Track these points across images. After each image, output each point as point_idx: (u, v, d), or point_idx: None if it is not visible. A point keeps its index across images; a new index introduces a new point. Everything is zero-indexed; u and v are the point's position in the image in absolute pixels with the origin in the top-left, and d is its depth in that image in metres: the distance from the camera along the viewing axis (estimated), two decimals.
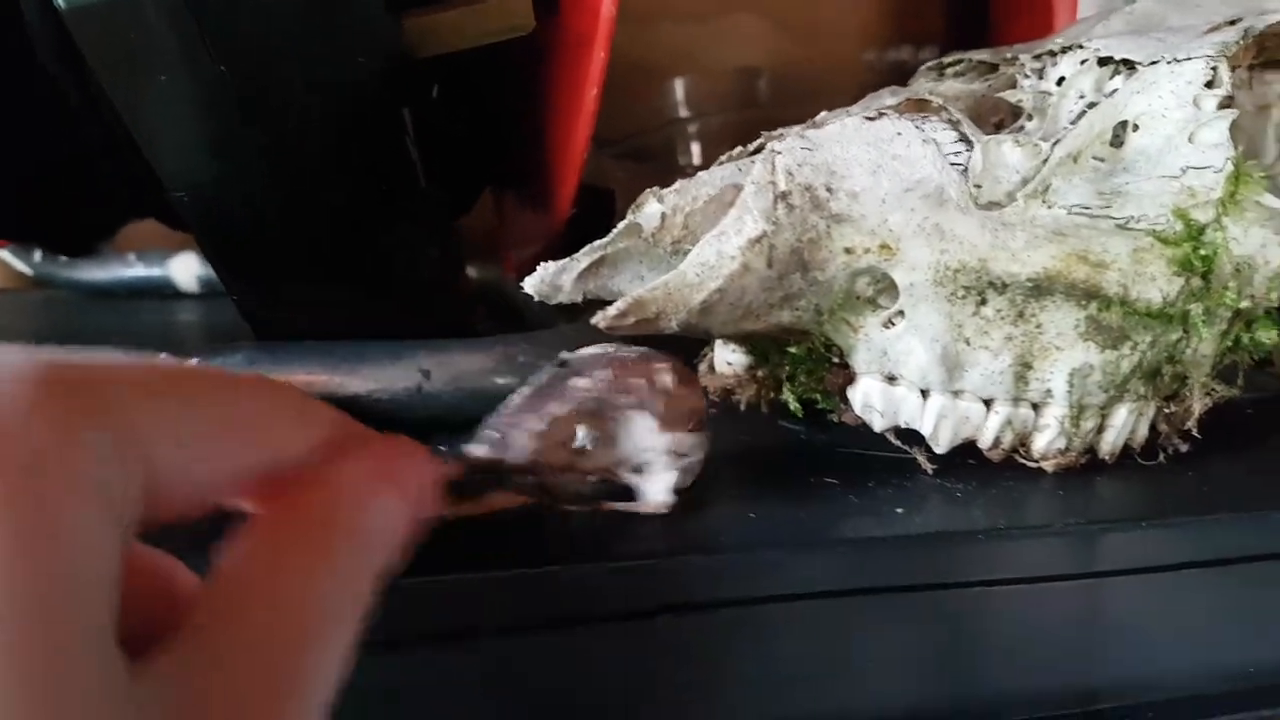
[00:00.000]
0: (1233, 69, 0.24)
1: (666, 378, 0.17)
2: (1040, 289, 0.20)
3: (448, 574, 0.16)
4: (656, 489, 0.17)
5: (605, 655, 0.17)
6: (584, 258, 0.20)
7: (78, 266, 0.39)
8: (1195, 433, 0.21)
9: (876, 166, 0.19)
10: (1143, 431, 0.22)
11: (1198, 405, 0.22)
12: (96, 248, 0.32)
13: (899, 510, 0.19)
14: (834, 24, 0.54)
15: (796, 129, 0.20)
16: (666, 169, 0.48)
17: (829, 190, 0.19)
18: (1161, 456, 0.22)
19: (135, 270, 0.39)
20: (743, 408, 0.22)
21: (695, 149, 0.49)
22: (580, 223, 0.27)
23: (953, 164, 0.20)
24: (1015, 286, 0.19)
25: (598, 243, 0.20)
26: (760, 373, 0.22)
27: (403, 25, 0.21)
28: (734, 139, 0.48)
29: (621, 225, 0.20)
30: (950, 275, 0.19)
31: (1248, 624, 0.20)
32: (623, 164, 0.45)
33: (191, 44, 0.18)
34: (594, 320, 0.19)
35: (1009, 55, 0.24)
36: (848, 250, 0.19)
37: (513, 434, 0.16)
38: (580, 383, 0.17)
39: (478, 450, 0.16)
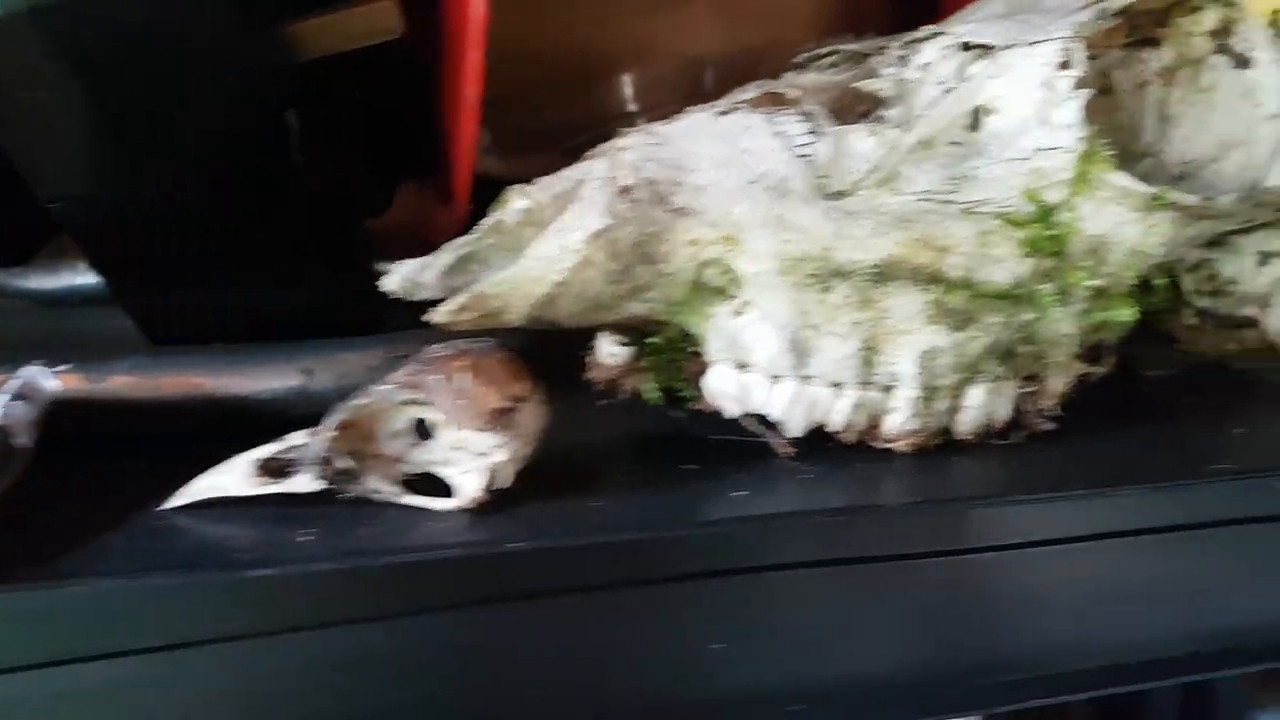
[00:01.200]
0: (1105, 49, 0.24)
1: (463, 377, 0.17)
2: (884, 275, 0.20)
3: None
4: (463, 485, 0.18)
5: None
6: (447, 255, 0.21)
7: (29, 276, 0.40)
8: (1059, 411, 0.22)
9: (723, 160, 0.20)
10: (1003, 411, 0.22)
11: (1057, 384, 0.22)
12: (32, 256, 0.33)
13: (744, 493, 0.19)
14: (781, 12, 0.54)
15: (651, 125, 0.21)
16: None
17: (674, 184, 0.19)
18: (1019, 435, 0.22)
19: (85, 278, 0.40)
20: (628, 398, 0.23)
21: None
22: None
23: (801, 155, 0.20)
24: (859, 273, 0.20)
25: (461, 239, 0.21)
26: (644, 363, 0.22)
27: (273, 33, 0.22)
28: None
29: (486, 222, 0.21)
30: (794, 264, 0.20)
31: (1100, 600, 0.20)
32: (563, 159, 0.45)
33: (52, 59, 0.18)
34: (427, 316, 0.19)
35: (881, 45, 0.24)
36: (692, 242, 0.19)
37: (323, 425, 0.17)
38: (382, 383, 0.17)
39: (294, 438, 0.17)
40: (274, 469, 0.19)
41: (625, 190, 0.19)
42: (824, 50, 0.25)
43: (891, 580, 0.19)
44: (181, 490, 0.19)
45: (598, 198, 0.19)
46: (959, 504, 0.19)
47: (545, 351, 0.22)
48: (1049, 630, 0.20)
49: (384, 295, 0.24)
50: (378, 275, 0.21)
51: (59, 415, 0.21)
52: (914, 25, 0.26)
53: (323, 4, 0.21)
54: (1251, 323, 0.28)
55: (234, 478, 0.19)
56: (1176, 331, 0.28)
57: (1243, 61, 0.23)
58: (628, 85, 0.50)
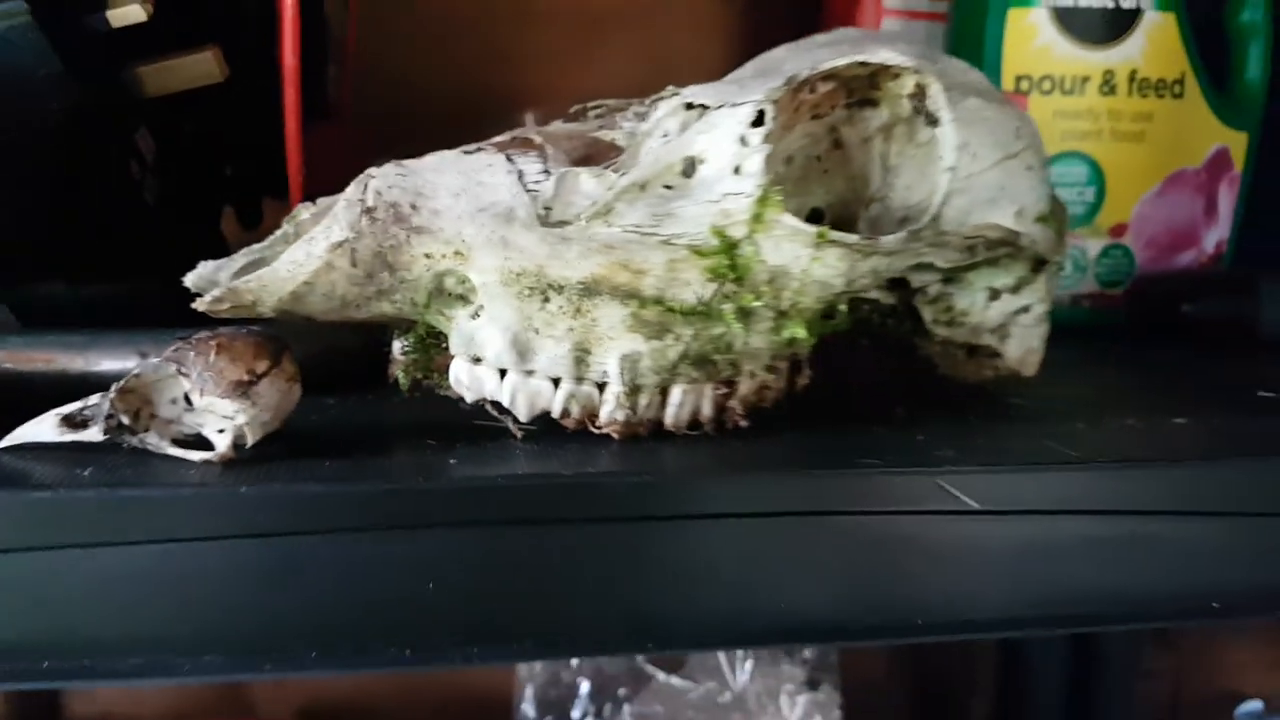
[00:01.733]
0: (830, 109, 0.28)
1: (209, 350, 0.22)
2: (590, 290, 0.24)
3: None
4: (215, 441, 0.22)
5: None
6: (240, 258, 0.25)
7: None
8: (742, 414, 0.26)
9: (460, 190, 0.24)
10: (705, 408, 0.26)
11: (749, 389, 0.26)
12: None
13: (452, 461, 0.23)
14: (687, 55, 0.59)
15: (404, 160, 0.25)
16: None
17: (413, 207, 0.24)
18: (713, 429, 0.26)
19: None
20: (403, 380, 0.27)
21: None
22: None
23: (530, 190, 0.25)
24: (570, 288, 0.24)
25: (254, 246, 0.25)
26: (401, 356, 0.27)
27: (114, 75, 0.26)
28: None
29: (275, 233, 0.25)
30: (514, 278, 0.24)
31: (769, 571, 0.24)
32: None
33: None
34: (195, 305, 0.24)
35: (632, 101, 0.28)
36: (428, 255, 0.24)
37: (112, 388, 0.22)
38: (157, 357, 0.22)
39: (91, 399, 0.22)
40: (74, 422, 0.23)
41: (368, 210, 0.23)
42: (591, 105, 0.29)
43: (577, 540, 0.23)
44: (6, 437, 0.23)
45: (343, 214, 0.23)
46: (642, 478, 0.23)
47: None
48: (708, 596, 0.24)
49: None
50: None
51: None
52: None
53: (158, 53, 0.26)
54: (994, 353, 0.32)
55: (43, 427, 0.23)
56: (936, 358, 0.32)
57: (933, 120, 0.27)
58: (529, 122, 0.55)
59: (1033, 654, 0.57)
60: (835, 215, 0.30)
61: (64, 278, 0.29)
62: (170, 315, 0.29)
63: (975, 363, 0.32)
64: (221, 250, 0.34)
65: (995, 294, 0.31)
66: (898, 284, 0.31)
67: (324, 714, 0.62)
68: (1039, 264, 0.30)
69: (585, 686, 0.60)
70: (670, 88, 0.28)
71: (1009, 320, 0.31)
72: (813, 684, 0.58)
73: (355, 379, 0.30)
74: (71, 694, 0.62)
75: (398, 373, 0.27)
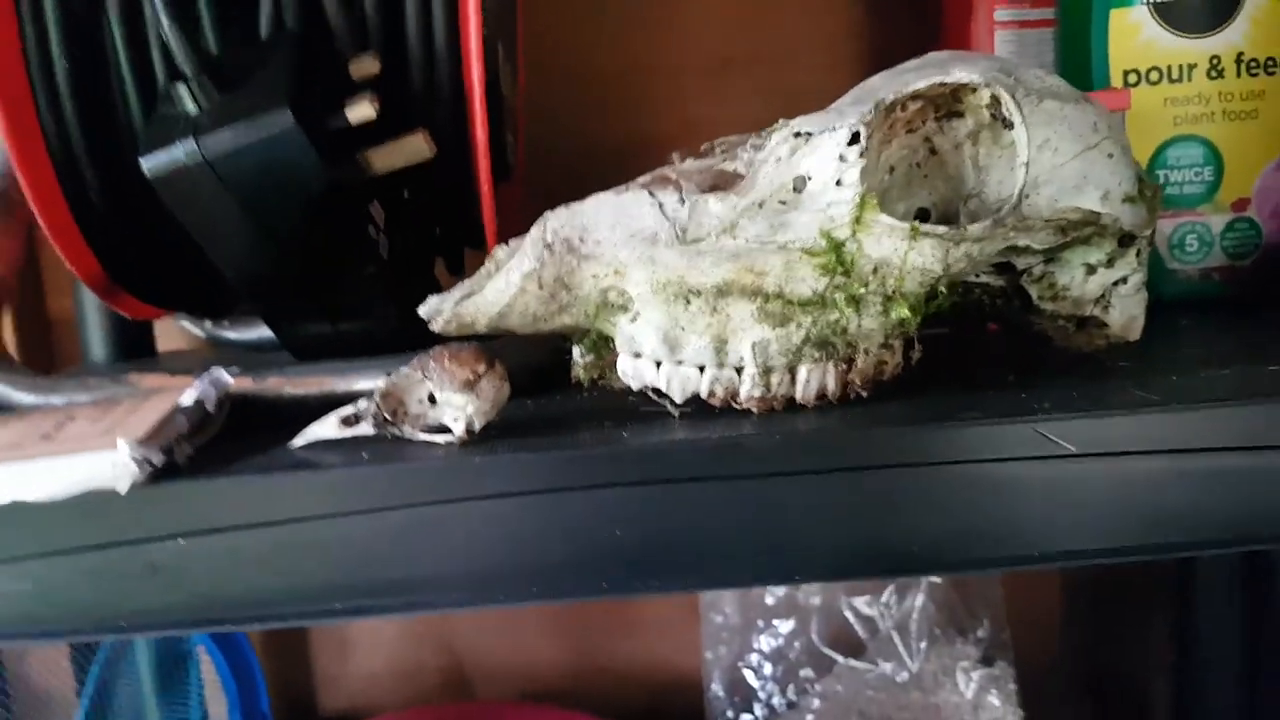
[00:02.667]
0: (922, 123, 0.33)
1: (444, 359, 0.29)
2: (723, 291, 0.30)
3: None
4: (453, 428, 0.29)
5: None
6: (457, 291, 0.33)
7: (234, 329, 0.56)
8: (861, 385, 0.31)
9: (615, 222, 0.31)
10: (831, 384, 0.31)
11: (868, 366, 0.31)
12: (227, 316, 0.48)
13: (625, 434, 0.30)
14: (808, 86, 0.64)
15: (570, 204, 0.32)
16: None
17: (580, 239, 0.31)
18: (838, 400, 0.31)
19: (259, 331, 0.56)
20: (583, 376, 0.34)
21: None
22: None
23: (669, 217, 0.31)
24: (706, 291, 0.30)
25: (466, 281, 0.33)
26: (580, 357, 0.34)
27: (352, 159, 0.35)
28: None
29: (481, 269, 0.33)
30: (662, 287, 0.30)
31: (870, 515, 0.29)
32: None
33: (217, 188, 0.32)
34: (430, 326, 0.31)
35: (754, 134, 0.34)
36: (594, 276, 0.31)
37: (375, 393, 0.30)
38: (406, 365, 0.30)
39: (360, 402, 0.30)
40: (350, 421, 0.31)
41: (547, 245, 0.30)
42: (718, 142, 0.35)
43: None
44: (299, 434, 0.32)
45: (529, 249, 0.30)
46: (780, 438, 0.29)
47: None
48: (835, 536, 0.29)
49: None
50: None
51: (236, 402, 0.35)
52: None
53: (378, 139, 0.34)
54: (1101, 323, 0.35)
55: (327, 427, 0.31)
56: (1050, 332, 0.36)
57: (1009, 125, 0.32)
58: (676, 160, 0.61)
59: (1210, 629, 0.57)
60: (940, 212, 0.35)
61: (325, 319, 0.38)
62: (404, 344, 0.37)
63: (1085, 333, 0.36)
64: (436, 289, 0.43)
65: (1092, 269, 0.34)
66: (1005, 269, 0.35)
67: (540, 697, 0.70)
68: (1128, 239, 0.33)
69: (770, 669, 0.65)
70: (781, 120, 0.33)
71: (1108, 292, 0.35)
72: (987, 661, 0.60)
73: (546, 385, 0.37)
74: (322, 689, 0.73)
75: (578, 373, 0.34)
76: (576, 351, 0.33)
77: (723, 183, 0.34)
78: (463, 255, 0.45)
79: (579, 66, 0.65)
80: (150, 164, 0.32)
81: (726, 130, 0.64)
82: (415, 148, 0.34)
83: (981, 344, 0.38)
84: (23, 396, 0.36)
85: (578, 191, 0.57)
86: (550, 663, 0.71)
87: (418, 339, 0.36)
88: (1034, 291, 0.35)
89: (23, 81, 0.35)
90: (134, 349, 0.61)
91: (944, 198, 0.35)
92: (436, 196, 0.39)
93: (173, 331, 0.62)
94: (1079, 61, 0.48)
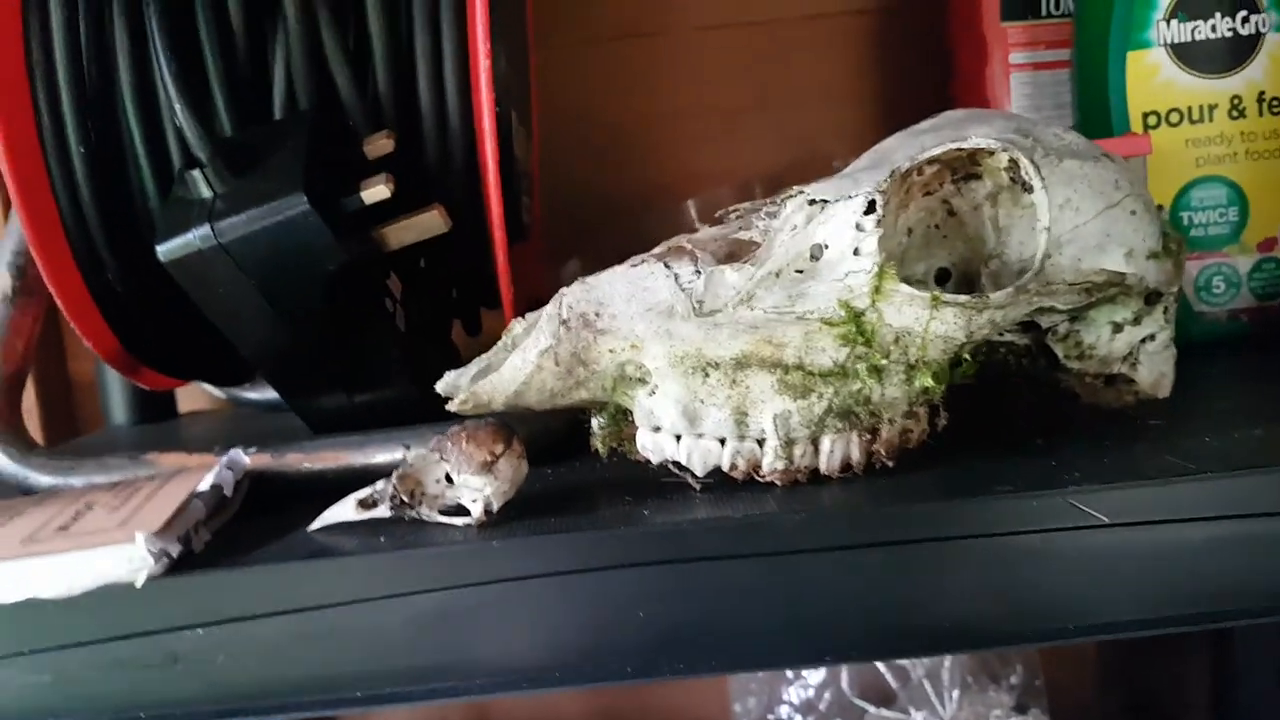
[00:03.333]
0: (939, 186, 0.33)
1: (461, 440, 0.29)
2: (742, 364, 0.30)
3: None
4: (471, 509, 0.29)
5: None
6: (474, 366, 0.32)
7: (254, 390, 0.56)
8: (887, 457, 0.30)
9: (630, 296, 0.31)
10: (855, 455, 0.31)
11: (886, 434, 0.30)
12: (245, 383, 0.48)
13: (646, 512, 0.29)
14: (816, 130, 0.64)
15: (586, 277, 0.32)
16: None
17: (596, 314, 0.30)
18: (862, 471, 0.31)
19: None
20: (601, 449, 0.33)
21: None
22: None
23: (685, 288, 0.31)
24: (725, 364, 0.30)
25: (482, 356, 0.33)
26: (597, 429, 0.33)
27: (367, 237, 0.35)
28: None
29: (498, 344, 0.33)
30: (679, 360, 0.30)
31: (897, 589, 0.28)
32: None
33: (233, 271, 0.32)
34: (447, 406, 0.31)
35: (766, 202, 0.34)
36: (611, 350, 0.30)
37: (393, 475, 0.29)
38: (423, 448, 0.29)
39: (377, 484, 0.30)
40: (367, 504, 0.31)
41: (563, 321, 0.30)
42: (730, 210, 0.35)
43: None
44: (317, 519, 0.31)
45: (545, 326, 0.30)
46: (806, 514, 0.28)
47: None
48: (868, 613, 0.28)
49: None
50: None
51: (254, 479, 0.35)
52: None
53: (393, 212, 0.34)
54: (1129, 380, 0.35)
55: (344, 509, 0.31)
56: (1077, 389, 0.35)
57: (1028, 188, 0.31)
58: (691, 208, 0.61)
59: (1250, 669, 0.55)
60: (960, 272, 0.34)
61: (342, 392, 0.37)
62: (423, 413, 0.37)
63: (1114, 390, 0.35)
64: (453, 355, 0.43)
65: (1118, 327, 0.33)
66: (1030, 326, 0.35)
67: None
68: (1154, 296, 0.32)
69: None
70: (795, 187, 0.33)
71: (1135, 349, 0.34)
72: (1021, 709, 0.59)
73: (564, 452, 0.36)
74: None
75: (597, 444, 0.33)
76: (595, 422, 0.33)
77: (739, 252, 0.33)
78: (479, 316, 0.44)
79: (590, 117, 0.65)
80: (166, 250, 0.32)
81: (738, 177, 0.64)
82: (430, 223, 0.34)
83: (1006, 402, 0.37)
84: (42, 479, 0.36)
85: (593, 241, 0.57)
86: (578, 714, 0.70)
87: (436, 408, 0.36)
88: (1060, 350, 0.34)
89: (39, 166, 0.35)
90: (156, 411, 0.61)
91: (964, 258, 0.34)
92: (453, 265, 0.39)
93: (194, 392, 0.62)
94: (1097, 105, 0.48)
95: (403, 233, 0.35)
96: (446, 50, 0.35)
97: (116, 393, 0.61)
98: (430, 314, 0.39)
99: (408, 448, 0.36)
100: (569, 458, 0.37)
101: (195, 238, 0.31)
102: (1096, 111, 0.48)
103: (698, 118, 0.66)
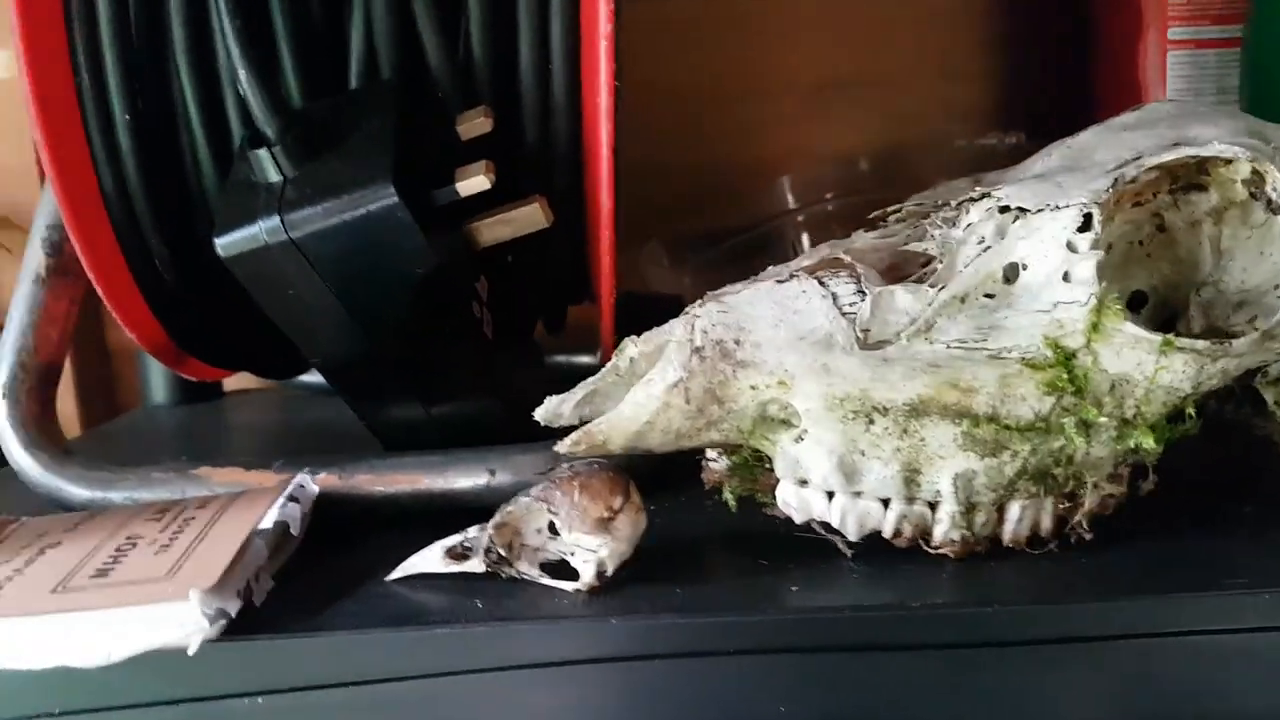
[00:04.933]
0: (1153, 196, 0.27)
1: (573, 491, 0.24)
2: (917, 410, 0.24)
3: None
4: (581, 571, 0.24)
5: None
6: (578, 392, 0.27)
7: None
8: (1087, 528, 0.25)
9: (778, 320, 0.25)
10: (1046, 523, 0.25)
11: (1094, 501, 0.25)
12: (296, 376, 0.43)
13: (793, 589, 0.24)
14: (928, 108, 0.58)
15: (720, 293, 0.26)
16: (776, 257, 0.53)
17: (736, 343, 0.25)
18: (1056, 544, 0.25)
19: None
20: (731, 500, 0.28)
21: (804, 237, 0.55)
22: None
23: (846, 313, 0.25)
24: (895, 410, 0.24)
25: (589, 380, 0.27)
26: (729, 474, 0.28)
27: (459, 231, 0.30)
28: (839, 224, 0.54)
29: (607, 367, 0.27)
30: (838, 402, 0.25)
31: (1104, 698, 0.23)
32: (702, 272, 0.52)
33: (305, 271, 0.27)
34: (555, 447, 0.26)
35: (938, 203, 0.28)
36: (753, 387, 0.25)
37: (489, 524, 0.24)
38: (526, 494, 0.24)
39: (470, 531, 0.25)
40: (457, 554, 0.26)
41: (697, 349, 0.25)
42: (890, 210, 0.29)
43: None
44: (398, 567, 0.27)
45: (675, 356, 0.25)
46: (982, 605, 0.23)
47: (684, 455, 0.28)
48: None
49: None
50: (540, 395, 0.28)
51: (320, 503, 0.30)
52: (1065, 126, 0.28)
53: (491, 205, 0.29)
54: None
55: (430, 559, 0.26)
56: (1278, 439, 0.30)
57: (1274, 208, 0.25)
58: (785, 186, 0.56)
59: None
60: (1160, 298, 0.29)
61: (418, 404, 0.33)
62: (503, 428, 0.32)
63: None
64: (538, 361, 0.37)
65: None
66: None
67: None
68: None
69: None
70: (978, 188, 0.27)
71: None
72: None
73: (665, 479, 0.31)
74: None
75: (726, 495, 0.28)
76: (720, 464, 0.28)
77: (905, 266, 0.28)
78: (565, 315, 0.39)
79: (676, 90, 0.59)
80: (226, 243, 0.27)
81: (830, 155, 0.58)
82: (531, 218, 0.29)
83: (1199, 452, 0.32)
84: (77, 492, 0.32)
85: (673, 222, 0.51)
86: None
87: (520, 422, 0.31)
88: (1270, 395, 0.29)
89: (79, 138, 0.30)
90: (200, 389, 0.57)
91: (1167, 281, 0.28)
92: (546, 261, 0.34)
93: None
94: (1274, 90, 0.41)
95: (498, 228, 0.29)
96: (554, 7, 0.30)
97: (156, 366, 0.57)
98: (517, 316, 0.34)
99: (492, 473, 0.31)
100: (665, 488, 0.32)
101: (262, 231, 0.26)
102: (1272, 99, 0.41)
103: (789, 93, 0.60)
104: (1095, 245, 0.24)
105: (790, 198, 0.56)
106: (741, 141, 0.60)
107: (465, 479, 0.31)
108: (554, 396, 0.28)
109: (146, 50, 0.30)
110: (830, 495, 0.25)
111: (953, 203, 0.28)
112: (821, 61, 0.59)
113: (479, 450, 0.32)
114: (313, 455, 0.32)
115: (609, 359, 0.27)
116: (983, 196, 0.27)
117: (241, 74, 0.26)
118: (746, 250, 0.55)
